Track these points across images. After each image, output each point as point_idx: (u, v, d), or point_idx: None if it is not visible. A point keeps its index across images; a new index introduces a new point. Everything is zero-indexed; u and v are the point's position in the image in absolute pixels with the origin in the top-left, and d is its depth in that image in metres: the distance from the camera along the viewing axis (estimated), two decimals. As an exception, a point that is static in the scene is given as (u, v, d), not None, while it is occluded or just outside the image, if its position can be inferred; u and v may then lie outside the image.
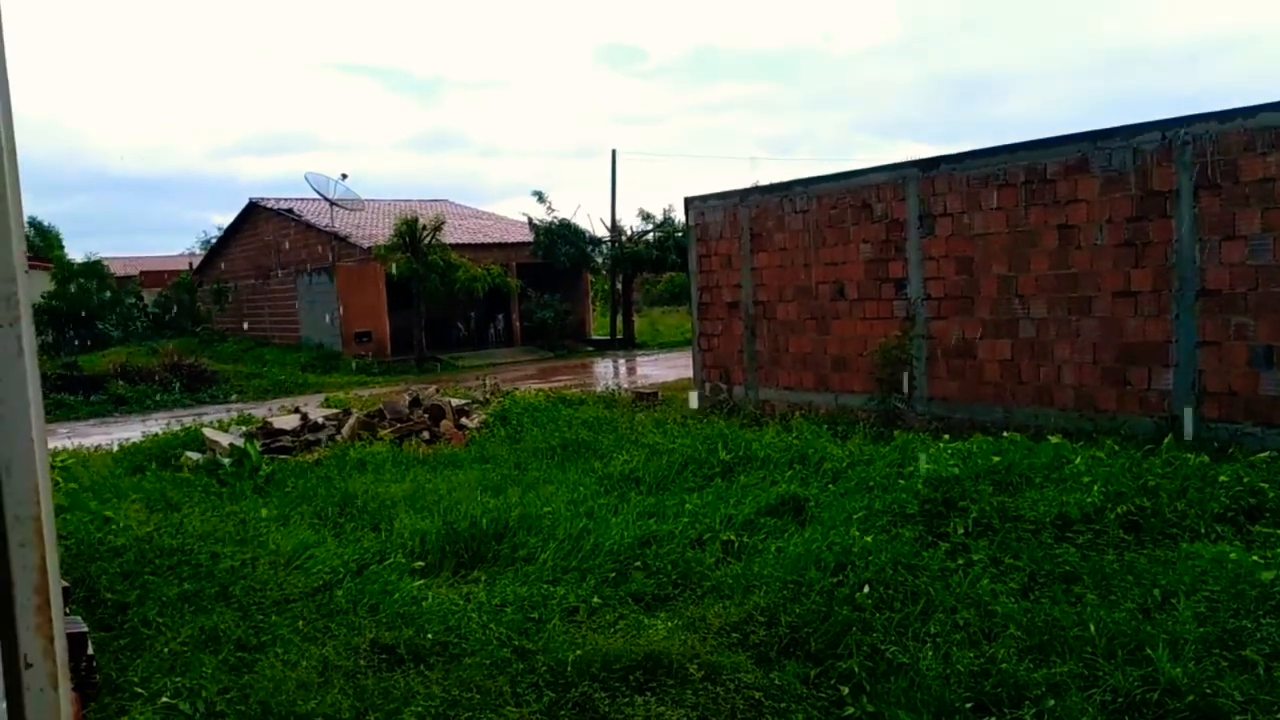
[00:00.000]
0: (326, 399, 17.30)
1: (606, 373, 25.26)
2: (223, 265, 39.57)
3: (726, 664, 4.98)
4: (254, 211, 36.18)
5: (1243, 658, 4.41)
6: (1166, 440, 7.99)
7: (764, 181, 14.09)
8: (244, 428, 13.10)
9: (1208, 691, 4.21)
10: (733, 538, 6.90)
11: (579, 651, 5.06)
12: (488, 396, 15.13)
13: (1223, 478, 6.75)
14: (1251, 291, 8.70)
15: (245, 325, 36.21)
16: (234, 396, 22.01)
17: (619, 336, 33.79)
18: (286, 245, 33.82)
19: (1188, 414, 9.09)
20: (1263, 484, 6.62)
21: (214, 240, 46.50)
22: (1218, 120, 8.89)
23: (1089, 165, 9.88)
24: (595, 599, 6.01)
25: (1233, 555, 5.38)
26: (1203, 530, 6.14)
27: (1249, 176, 8.66)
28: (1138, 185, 9.49)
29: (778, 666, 5.09)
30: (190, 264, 47.78)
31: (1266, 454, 7.54)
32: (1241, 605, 4.82)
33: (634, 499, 8.21)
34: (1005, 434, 8.29)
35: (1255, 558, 5.31)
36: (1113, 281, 9.75)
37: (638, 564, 6.52)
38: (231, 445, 11.27)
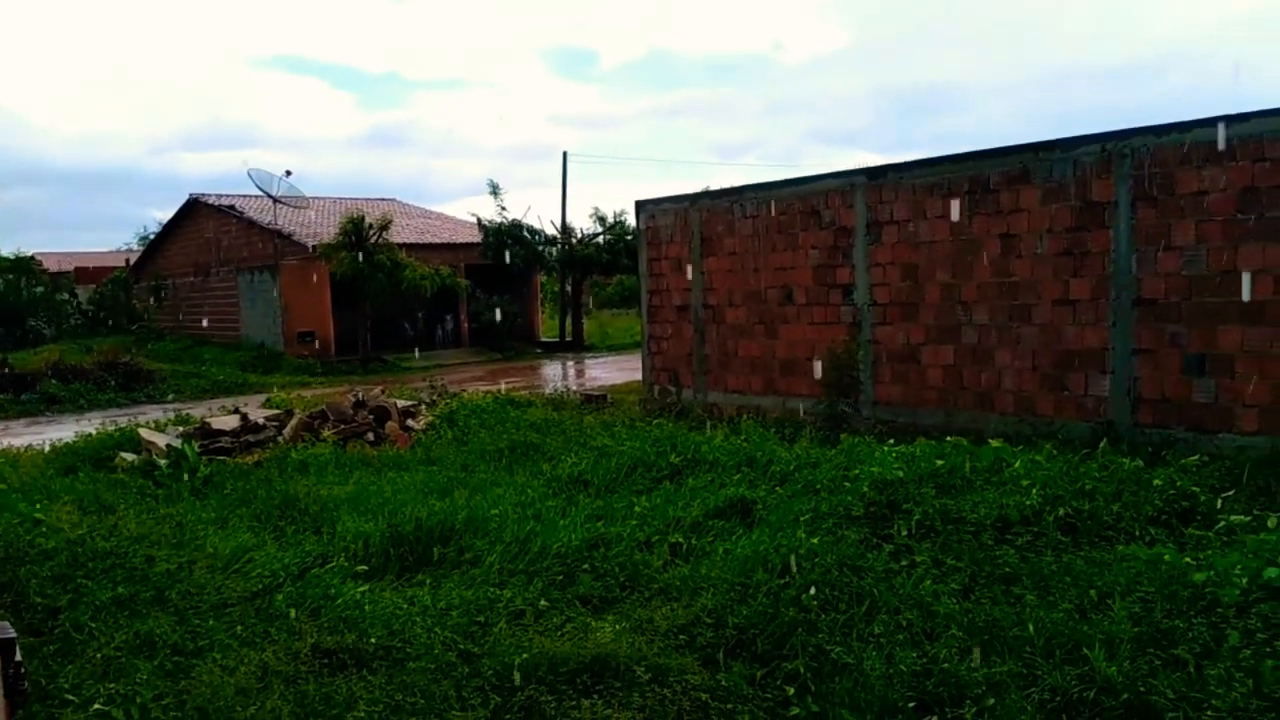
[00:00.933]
0: (268, 399, 16.97)
1: (555, 375, 25.18)
2: (161, 262, 38.62)
3: (674, 666, 4.98)
4: (194, 207, 35.38)
5: (1175, 657, 4.53)
6: (1103, 445, 8.19)
7: (715, 186, 14.17)
8: (181, 428, 12.80)
9: (1141, 690, 4.31)
10: (681, 540, 6.91)
11: (525, 655, 5.02)
12: (434, 398, 14.98)
13: (1156, 481, 6.93)
14: (1185, 301, 8.96)
15: (180, 316, 35.41)
16: (171, 396, 21.50)
17: (568, 338, 33.71)
18: (227, 242, 33.14)
19: (1123, 419, 9.34)
20: (1194, 488, 6.82)
21: (152, 236, 45.41)
22: (1155, 134, 9.15)
23: (1030, 176, 10.10)
24: (542, 602, 5.97)
25: (1166, 557, 5.52)
26: (1137, 533, 6.30)
27: (1184, 189, 8.93)
28: (1077, 196, 9.72)
29: (724, 668, 5.11)
30: (127, 260, 46.53)
31: (1198, 458, 7.76)
32: (1174, 606, 4.95)
33: (582, 501, 8.19)
34: (948, 438, 8.42)
35: (1187, 559, 5.46)
36: (1052, 290, 9.97)
37: (585, 566, 6.49)
38: (168, 446, 11.00)
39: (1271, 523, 5.35)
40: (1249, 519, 5.90)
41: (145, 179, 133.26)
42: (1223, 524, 6.00)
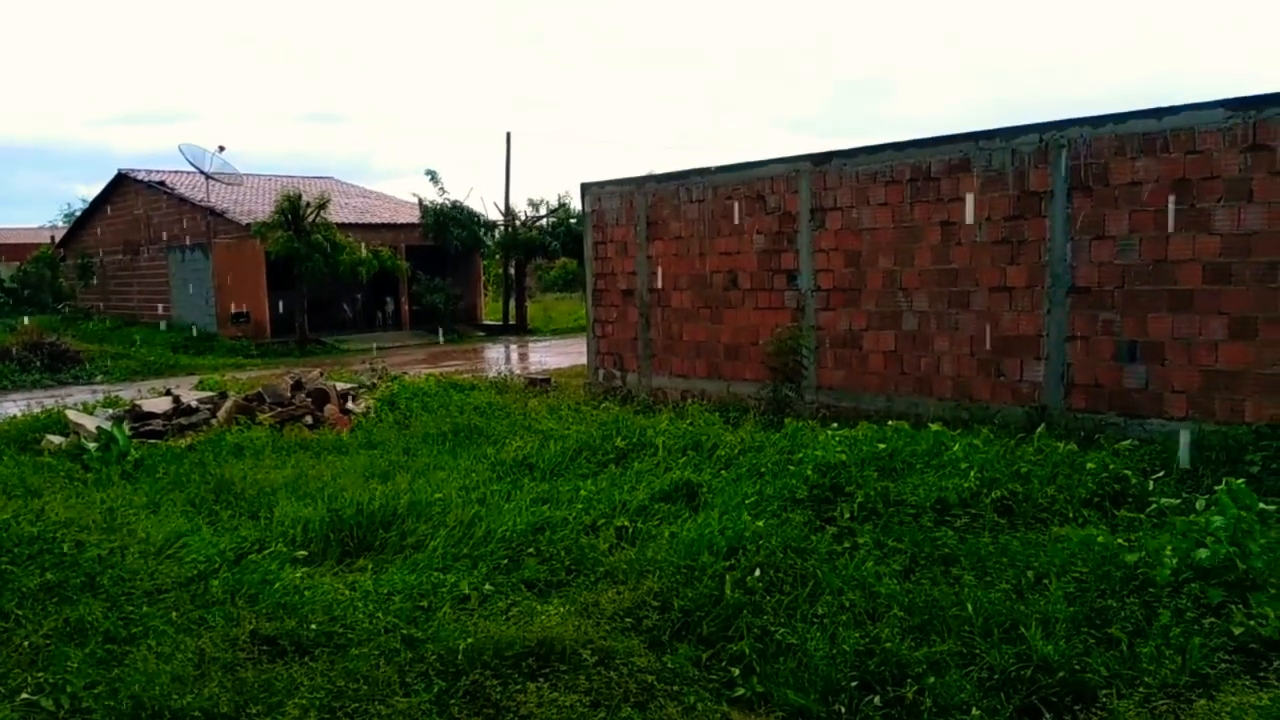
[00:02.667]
0: (200, 381, 16.55)
1: (498, 358, 24.98)
2: (88, 240, 37.38)
3: (620, 649, 4.98)
4: (123, 183, 34.28)
5: (1108, 635, 4.67)
6: (1040, 430, 8.38)
7: (661, 170, 14.13)
8: (111, 410, 12.43)
9: (1077, 667, 4.43)
10: (626, 523, 6.91)
11: (470, 639, 4.98)
12: (375, 381, 14.75)
13: (1089, 465, 7.12)
14: (1118, 289, 9.20)
15: (108, 295, 34.33)
16: (100, 377, 20.86)
17: (511, 322, 33.46)
18: (158, 220, 32.19)
19: (1056, 404, 9.58)
20: (1126, 471, 7.01)
21: (79, 213, 43.90)
22: (1091, 125, 9.35)
23: (970, 165, 10.26)
24: (487, 586, 5.93)
25: (1099, 538, 5.67)
26: (1071, 514, 6.46)
27: (1119, 180, 9.15)
28: (1016, 185, 9.90)
29: (670, 650, 5.13)
30: (53, 238, 44.96)
31: (1129, 442, 7.99)
32: (1107, 585, 5.09)
33: (527, 485, 8.14)
34: (890, 422, 8.54)
35: (1120, 540, 5.61)
36: (990, 277, 10.16)
37: (531, 550, 6.46)
38: (98, 429, 10.67)
39: (1200, 505, 5.53)
40: (1179, 501, 6.09)
41: (75, 154, 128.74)
42: (1154, 506, 6.19)
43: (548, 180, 70.48)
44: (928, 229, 10.66)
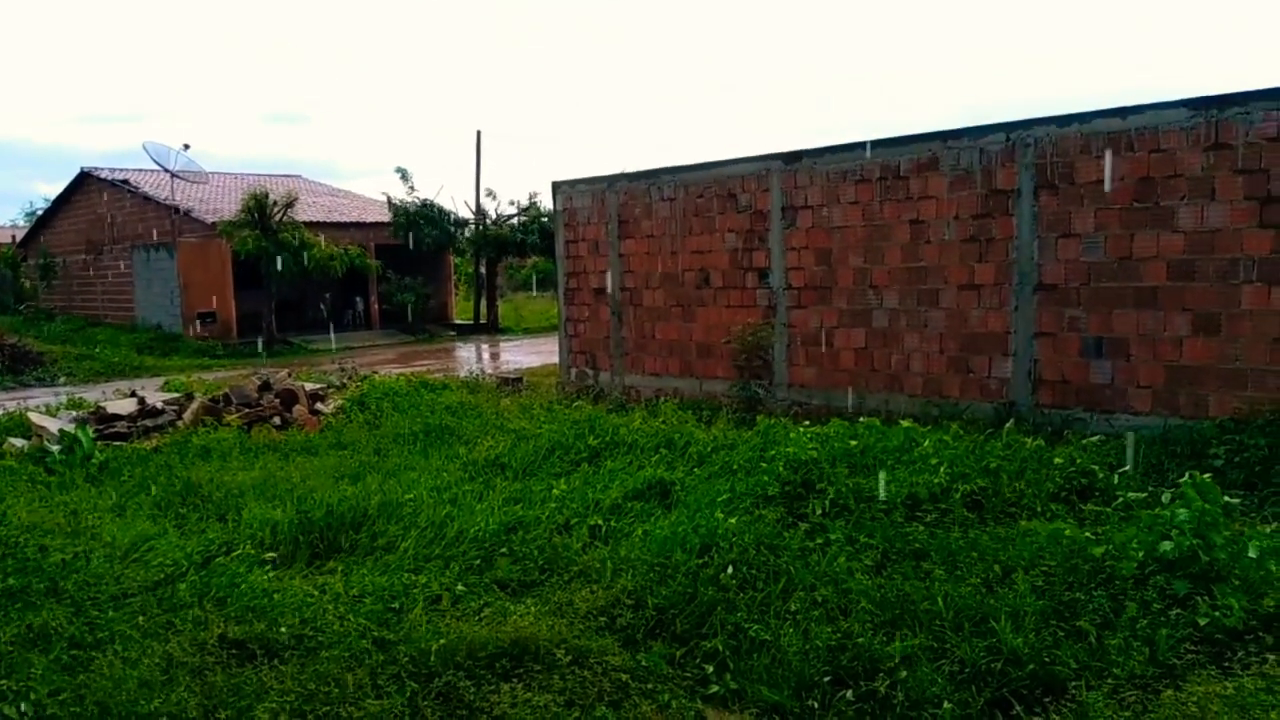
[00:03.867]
0: (166, 383, 16.35)
1: (470, 358, 24.86)
2: (50, 239, 36.73)
3: (594, 648, 4.97)
4: (86, 181, 33.73)
5: (1077, 628, 4.72)
6: (1008, 425, 8.46)
7: (632, 168, 14.12)
8: (75, 412, 12.24)
9: (1046, 660, 4.48)
10: (600, 522, 6.90)
11: (443, 640, 4.94)
12: (344, 381, 14.63)
13: (1057, 460, 7.20)
14: (1084, 286, 9.31)
15: (71, 296, 33.75)
16: (62, 379, 20.53)
17: (482, 321, 33.30)
18: (121, 219, 31.70)
19: (1024, 400, 9.69)
20: (1093, 465, 7.10)
21: (40, 212, 43.13)
22: (1057, 124, 9.45)
23: (939, 164, 10.34)
24: (459, 587, 5.89)
25: (1067, 532, 5.73)
26: (1039, 509, 6.53)
27: (1084, 178, 9.26)
28: (983, 184, 10.00)
29: (644, 648, 5.13)
30: (13, 237, 44.12)
31: (1096, 437, 8.08)
32: (1075, 579, 5.15)
33: (499, 485, 8.11)
34: (860, 419, 8.59)
35: (1087, 534, 5.68)
36: (958, 275, 10.25)
37: (503, 550, 6.43)
38: (61, 431, 10.49)
39: (1165, 498, 5.60)
40: (1144, 495, 6.16)
41: (33, 153, 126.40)
42: (1120, 500, 6.27)
43: (518, 180, 70.02)
44: (897, 227, 10.73)
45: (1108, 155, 9.05)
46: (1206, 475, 5.59)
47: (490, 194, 32.66)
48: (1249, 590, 4.78)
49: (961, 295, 10.23)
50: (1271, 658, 4.26)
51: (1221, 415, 8.39)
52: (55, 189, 36.42)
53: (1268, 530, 5.88)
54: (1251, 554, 5.02)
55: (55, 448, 10.01)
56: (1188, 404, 8.71)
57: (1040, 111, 11.66)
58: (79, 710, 4.22)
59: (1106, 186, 9.09)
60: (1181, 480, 5.54)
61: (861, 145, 11.10)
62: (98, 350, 24.92)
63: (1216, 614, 4.61)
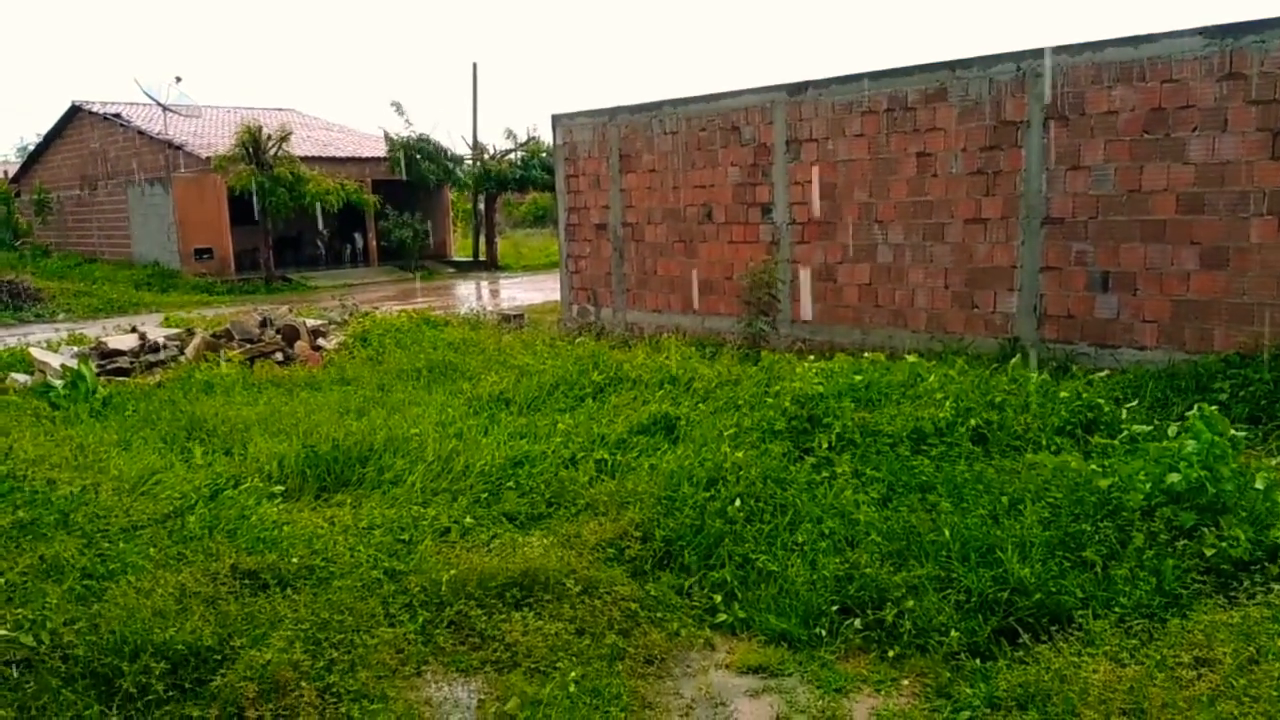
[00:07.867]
0: (166, 318, 16.30)
1: (469, 295, 24.75)
2: (43, 175, 36.26)
3: (603, 578, 5.01)
4: (77, 115, 33.19)
5: (1083, 559, 4.75)
6: (1014, 361, 8.44)
7: (633, 101, 13.88)
8: (76, 348, 12.21)
9: (1052, 590, 4.52)
10: (606, 456, 6.92)
11: (453, 571, 4.99)
12: (345, 317, 14.57)
13: (1063, 394, 7.18)
14: (1092, 220, 9.22)
15: (66, 232, 33.43)
16: (62, 316, 20.45)
17: (481, 258, 33.10)
18: (115, 154, 31.26)
19: (1029, 335, 9.65)
20: (1099, 400, 7.09)
21: (32, 147, 42.55)
22: (1068, 53, 9.26)
23: (947, 94, 10.16)
24: (468, 519, 5.93)
25: (1073, 465, 5.74)
26: (1045, 442, 6.53)
27: (1095, 109, 9.10)
28: (992, 115, 9.83)
29: (653, 579, 5.18)
30: (5, 172, 43.60)
31: (1103, 373, 8.07)
32: (1081, 510, 5.17)
33: (505, 420, 8.10)
34: (865, 354, 8.56)
35: (1093, 466, 5.69)
36: (965, 209, 10.14)
37: (510, 484, 6.46)
38: (63, 366, 10.48)
39: (1171, 431, 5.58)
40: (1150, 428, 6.16)
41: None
42: (1126, 433, 6.26)
43: (516, 114, 69.27)
44: (904, 160, 10.59)
45: (1119, 85, 8.89)
46: (1215, 408, 5.58)
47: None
48: (1255, 522, 4.80)
49: (967, 229, 10.13)
50: (1277, 587, 4.29)
51: (1227, 350, 8.37)
52: (46, 124, 35.84)
53: (1273, 463, 5.90)
54: (1259, 485, 5.03)
55: (58, 383, 9.99)
56: (1193, 339, 8.68)
57: (1050, 41, 11.37)
58: (95, 639, 4.25)
59: (1117, 117, 8.94)
60: (1189, 413, 5.52)
61: (868, 75, 10.89)
62: (96, 286, 24.80)
63: (1223, 545, 4.63)
